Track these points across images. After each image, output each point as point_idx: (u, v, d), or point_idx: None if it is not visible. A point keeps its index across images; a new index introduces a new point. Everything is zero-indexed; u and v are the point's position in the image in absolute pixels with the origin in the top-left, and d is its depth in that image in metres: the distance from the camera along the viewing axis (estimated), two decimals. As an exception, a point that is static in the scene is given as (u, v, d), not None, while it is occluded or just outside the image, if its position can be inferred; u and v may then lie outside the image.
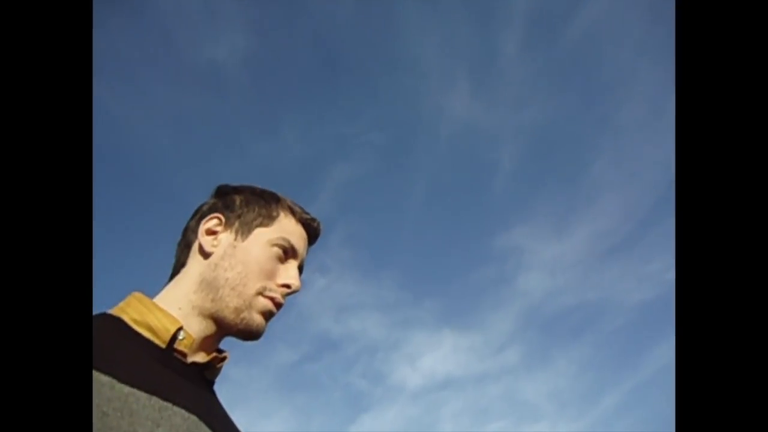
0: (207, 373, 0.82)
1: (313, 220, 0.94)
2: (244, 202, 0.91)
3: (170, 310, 0.80)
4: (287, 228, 0.90)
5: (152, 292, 0.84)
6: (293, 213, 0.92)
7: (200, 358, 0.81)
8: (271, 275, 0.86)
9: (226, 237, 0.87)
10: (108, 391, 0.65)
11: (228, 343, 0.87)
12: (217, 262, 0.84)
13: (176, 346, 0.77)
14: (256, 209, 0.90)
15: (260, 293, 0.84)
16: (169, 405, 0.70)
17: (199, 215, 0.91)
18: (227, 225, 0.88)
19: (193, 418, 0.73)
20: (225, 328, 0.83)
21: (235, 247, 0.86)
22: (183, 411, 0.71)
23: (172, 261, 0.90)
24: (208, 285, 0.83)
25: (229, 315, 0.82)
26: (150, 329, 0.76)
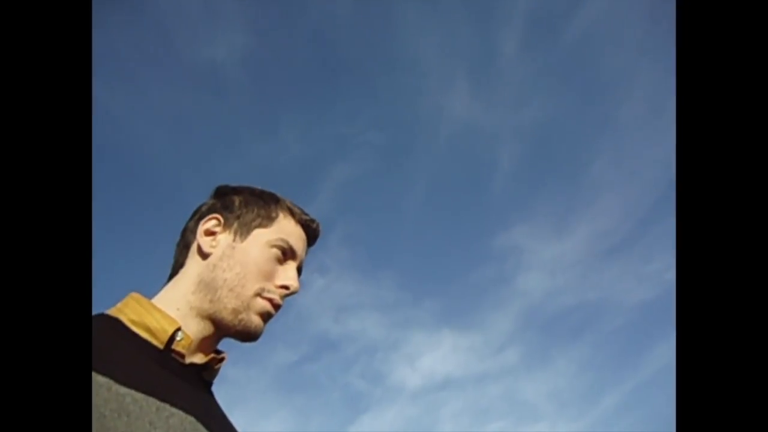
0: (205, 374, 0.82)
1: (313, 221, 0.94)
2: (243, 203, 0.90)
3: (168, 310, 0.79)
4: (286, 229, 0.90)
5: (151, 293, 0.84)
6: (292, 214, 0.92)
7: (198, 359, 0.81)
8: (269, 276, 0.85)
9: (224, 238, 0.87)
10: (105, 392, 0.64)
11: (226, 344, 0.86)
12: (216, 263, 0.84)
13: (174, 347, 0.77)
14: (255, 210, 0.90)
15: (258, 294, 0.84)
16: (167, 406, 0.70)
17: (198, 216, 0.91)
18: (226, 226, 0.88)
19: (191, 419, 0.72)
20: (223, 329, 0.83)
21: (233, 248, 0.85)
22: (180, 412, 0.71)
23: (171, 261, 0.90)
24: (207, 286, 0.82)
25: (227, 316, 0.82)
26: (148, 330, 0.76)
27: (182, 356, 0.78)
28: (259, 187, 0.95)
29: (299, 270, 0.91)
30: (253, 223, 0.88)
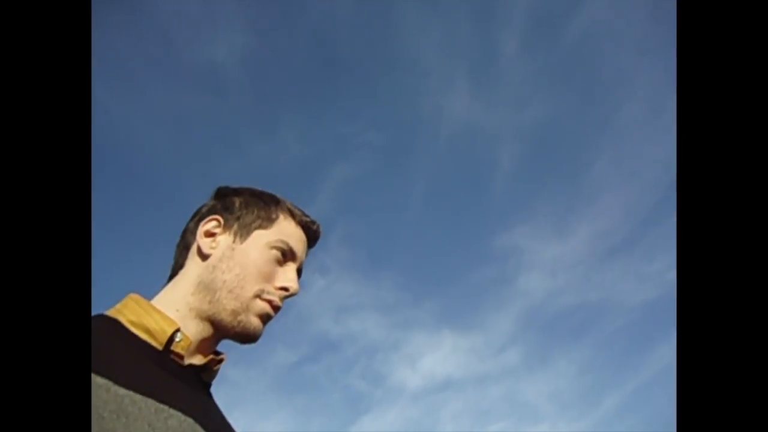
0: (204, 376, 0.81)
1: (313, 222, 0.94)
2: (243, 204, 0.90)
3: (167, 311, 0.79)
4: (286, 230, 0.89)
5: (151, 294, 0.84)
6: (293, 215, 0.92)
7: (197, 360, 0.80)
8: (269, 278, 0.85)
9: (224, 239, 0.86)
10: (104, 394, 0.64)
11: (226, 345, 0.86)
12: (215, 264, 0.84)
13: (173, 348, 0.77)
14: (255, 211, 0.89)
15: (258, 296, 0.83)
16: (166, 407, 0.70)
17: (198, 217, 0.91)
18: (226, 227, 0.88)
19: (190, 420, 0.72)
20: (222, 331, 0.83)
21: (233, 249, 0.85)
22: (179, 413, 0.71)
23: (171, 262, 0.90)
24: (206, 287, 0.82)
25: (226, 317, 0.81)
26: (147, 331, 0.76)
27: (181, 357, 0.77)
28: (260, 189, 0.95)
29: (299, 272, 0.91)
30: (253, 225, 0.88)
